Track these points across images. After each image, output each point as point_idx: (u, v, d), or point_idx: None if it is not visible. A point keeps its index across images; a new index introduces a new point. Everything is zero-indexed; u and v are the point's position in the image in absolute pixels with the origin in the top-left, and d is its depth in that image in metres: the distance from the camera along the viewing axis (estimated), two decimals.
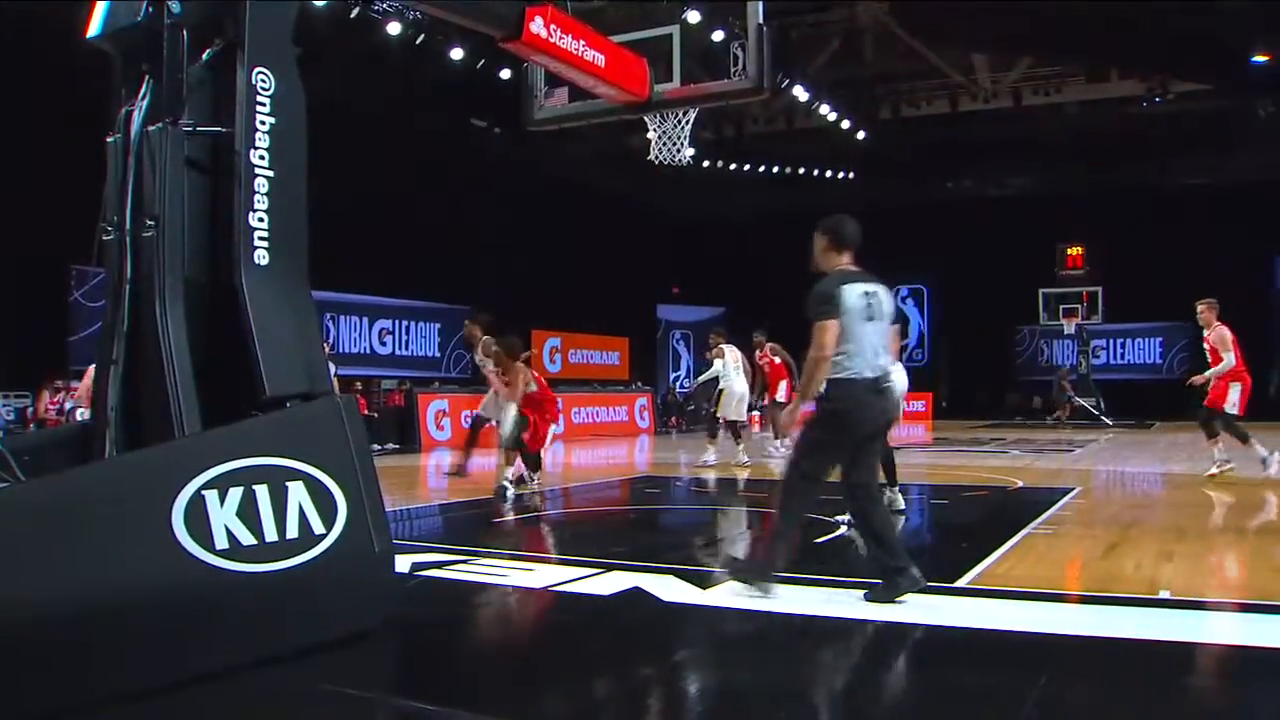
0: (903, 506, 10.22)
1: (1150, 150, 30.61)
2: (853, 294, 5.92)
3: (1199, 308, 13.24)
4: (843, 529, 8.70)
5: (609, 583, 6.66)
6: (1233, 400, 12.93)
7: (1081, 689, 4.71)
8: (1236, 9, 21.03)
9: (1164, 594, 6.23)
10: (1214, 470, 13.09)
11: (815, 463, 6.04)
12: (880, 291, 6.07)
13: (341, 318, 24.44)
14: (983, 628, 5.39)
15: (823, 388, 5.90)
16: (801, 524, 6.22)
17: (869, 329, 5.91)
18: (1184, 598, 6.17)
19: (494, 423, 12.96)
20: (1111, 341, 35.43)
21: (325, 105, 6.99)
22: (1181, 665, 4.79)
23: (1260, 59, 23.09)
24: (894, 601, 5.81)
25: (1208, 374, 13.05)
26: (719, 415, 16.26)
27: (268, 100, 5.34)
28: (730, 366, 16.21)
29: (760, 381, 17.53)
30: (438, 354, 27.22)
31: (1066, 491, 11.73)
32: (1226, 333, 13.00)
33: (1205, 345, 13.26)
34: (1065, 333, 33.66)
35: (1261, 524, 9.62)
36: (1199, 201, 30.81)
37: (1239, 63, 23.50)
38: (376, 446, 19.02)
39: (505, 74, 21.62)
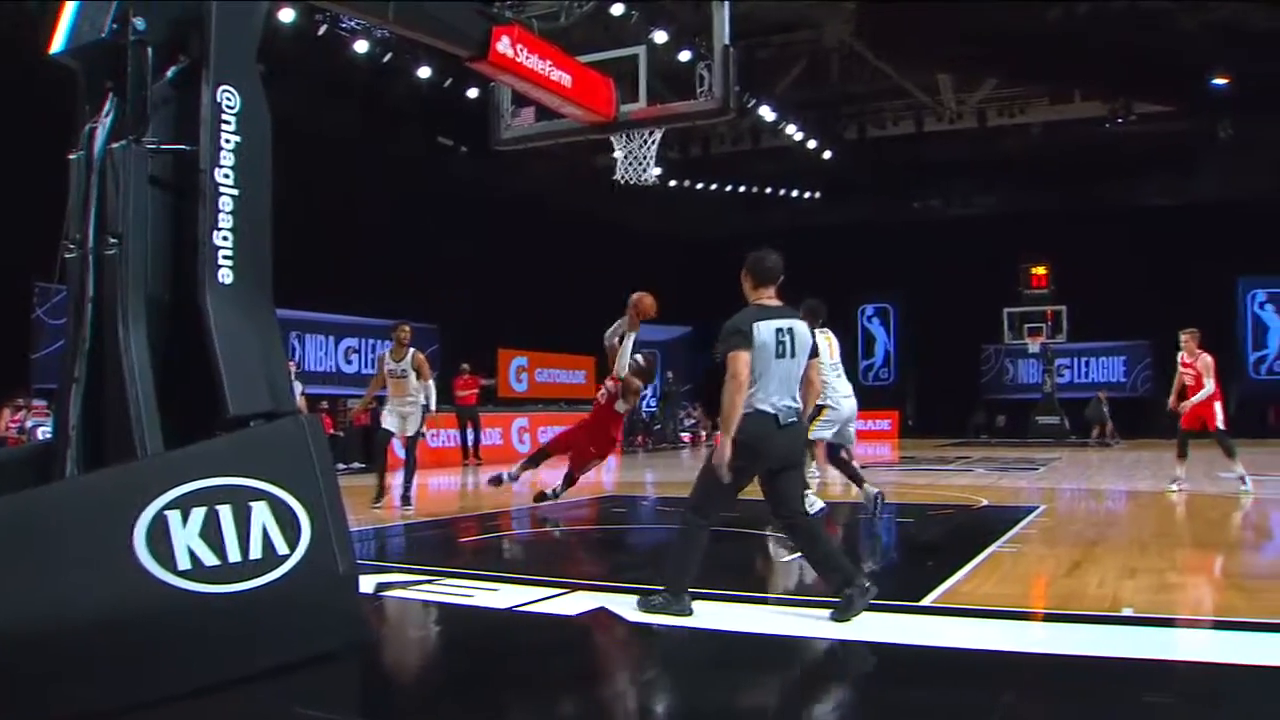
0: (821, 507, 10.37)
1: (1113, 171, 30.98)
2: (765, 330, 5.98)
3: (1183, 337, 13.86)
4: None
5: (575, 603, 6.64)
6: (1220, 417, 13.52)
7: (1044, 707, 4.74)
8: (1195, 33, 21.30)
9: (1126, 611, 6.27)
10: (1174, 487, 13.79)
11: (710, 492, 6.14)
12: (796, 327, 6.13)
13: (308, 336, 24.30)
14: (947, 646, 5.40)
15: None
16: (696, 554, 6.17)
17: (779, 366, 5.97)
18: (1146, 615, 6.20)
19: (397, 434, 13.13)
20: (1075, 360, 35.69)
21: (292, 123, 6.99)
22: (1144, 683, 4.81)
23: (1220, 81, 23.38)
24: (851, 618, 5.82)
25: (1192, 401, 13.54)
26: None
27: (232, 118, 5.32)
28: None
29: None
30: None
31: (1031, 510, 11.79)
32: (1210, 360, 13.60)
33: (1186, 371, 13.78)
34: (1030, 351, 33.89)
35: (1223, 540, 9.70)
36: (1162, 221, 31.09)
37: (1199, 85, 23.80)
38: (341, 465, 18.91)
39: (473, 93, 21.66)
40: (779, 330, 6.01)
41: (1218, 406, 13.51)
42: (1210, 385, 13.46)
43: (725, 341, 5.98)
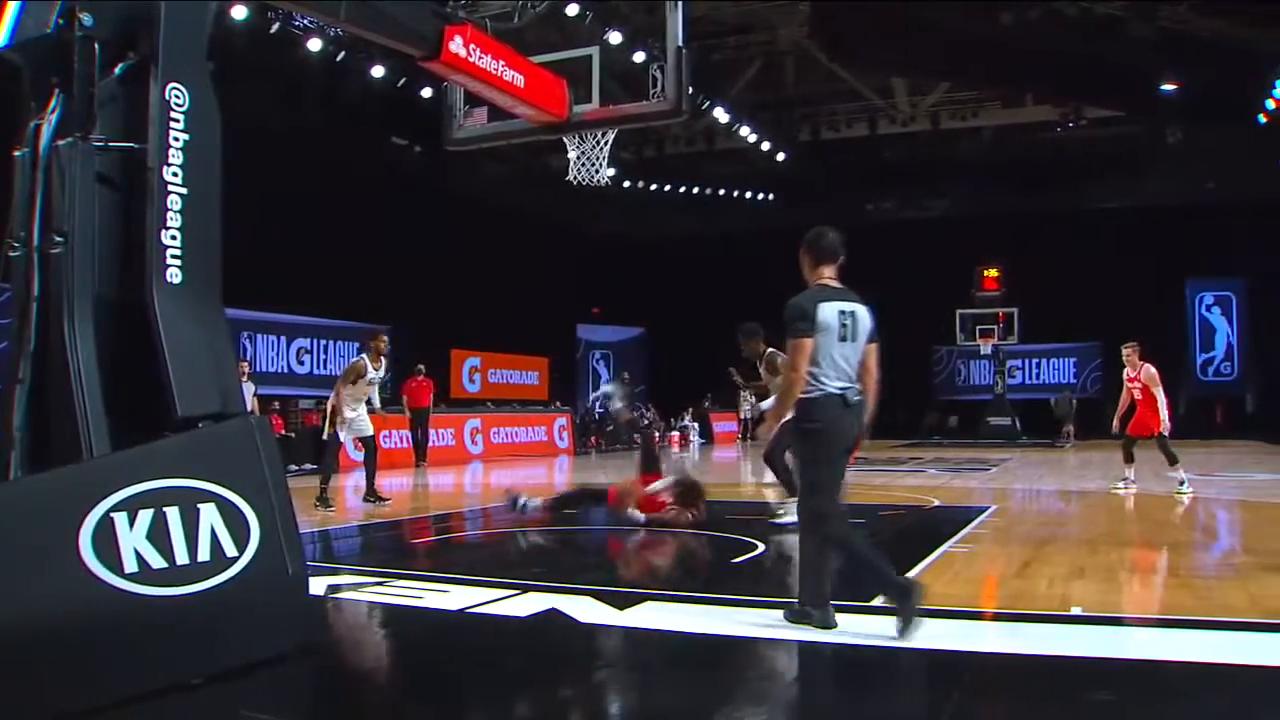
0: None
1: (1065, 174, 31.33)
2: (828, 312, 5.81)
3: (1125, 351, 14.20)
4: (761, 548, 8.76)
5: (526, 604, 6.63)
6: (1166, 423, 13.84)
7: (995, 706, 4.78)
8: (1144, 39, 21.57)
9: (1076, 610, 6.34)
10: (1123, 488, 14.18)
11: (817, 486, 5.87)
12: (859, 310, 5.94)
13: (259, 336, 24.16)
14: (897, 646, 5.43)
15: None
16: (849, 547, 5.94)
17: (841, 349, 5.80)
18: (1095, 614, 6.28)
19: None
20: (1027, 361, 36.06)
21: (243, 121, 6.94)
22: (1094, 681, 4.87)
23: (1168, 87, 23.68)
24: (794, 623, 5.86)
25: (1164, 418, 13.85)
26: None
27: (181, 116, 5.28)
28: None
29: None
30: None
31: (983, 510, 11.89)
32: (1154, 371, 13.91)
33: (1131, 384, 14.11)
34: (982, 353, 34.19)
35: (1170, 540, 9.81)
36: (1112, 224, 31.49)
37: (1149, 90, 24.09)
38: (293, 467, 18.80)
39: (426, 93, 21.61)
40: (842, 312, 5.84)
41: (1164, 410, 13.81)
42: (1162, 396, 13.81)
43: (789, 325, 5.82)
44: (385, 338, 13.44)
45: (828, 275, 6.07)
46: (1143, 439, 14.07)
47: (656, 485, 11.16)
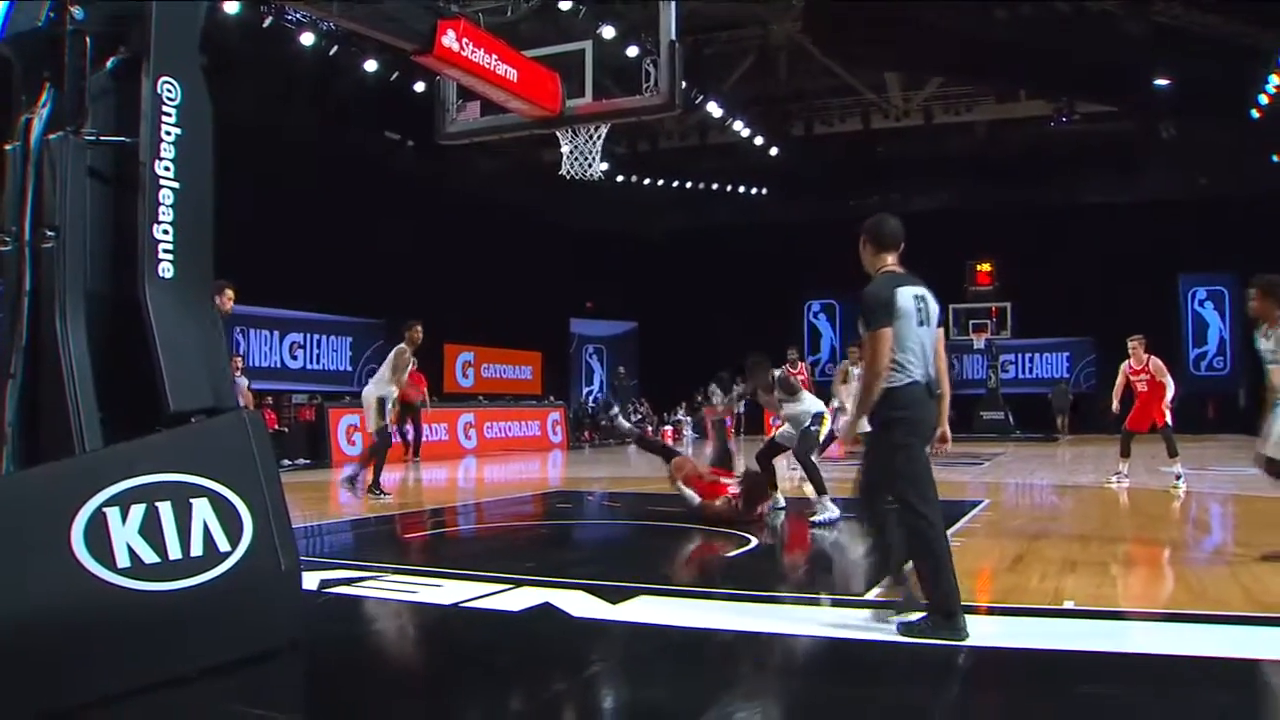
0: (834, 516, 10.48)
1: (1058, 169, 31.33)
2: (905, 297, 5.66)
3: (1131, 344, 14.09)
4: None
5: (519, 599, 6.63)
6: (1169, 415, 13.86)
7: (988, 700, 4.79)
8: (1138, 35, 21.59)
9: (1068, 604, 6.36)
10: (1115, 483, 14.10)
11: (914, 478, 5.62)
12: (928, 295, 5.83)
13: (252, 331, 24.14)
14: (889, 640, 5.44)
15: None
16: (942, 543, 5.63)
17: (921, 334, 5.67)
18: (1087, 607, 6.29)
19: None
20: (1020, 356, 36.04)
21: (236, 117, 6.94)
22: (1087, 675, 4.88)
23: (1161, 82, 23.70)
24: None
25: (1167, 402, 13.85)
26: None
27: (173, 110, 5.27)
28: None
29: None
30: (349, 368, 26.99)
31: (975, 504, 11.90)
32: (1161, 363, 13.97)
33: (1135, 377, 14.03)
34: (975, 348, 34.18)
35: (1163, 534, 9.83)
36: (1105, 220, 31.49)
37: (1142, 85, 24.12)
38: (287, 461, 18.80)
39: (419, 87, 21.57)
40: (917, 296, 5.71)
41: (1169, 405, 13.81)
42: (1172, 385, 13.85)
43: (870, 314, 5.62)
44: (419, 326, 13.62)
45: (891, 261, 5.91)
46: (1140, 434, 14.04)
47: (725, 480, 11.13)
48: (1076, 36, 22.04)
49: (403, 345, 13.45)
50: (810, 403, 11.30)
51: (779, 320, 34.58)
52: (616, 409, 11.59)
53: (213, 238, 5.49)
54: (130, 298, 5.12)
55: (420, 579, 7.46)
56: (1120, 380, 14.17)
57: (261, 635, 5.02)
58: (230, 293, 10.75)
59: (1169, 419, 13.78)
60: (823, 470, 10.99)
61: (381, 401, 13.28)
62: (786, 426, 11.35)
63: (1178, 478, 13.39)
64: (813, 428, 11.16)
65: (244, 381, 17.44)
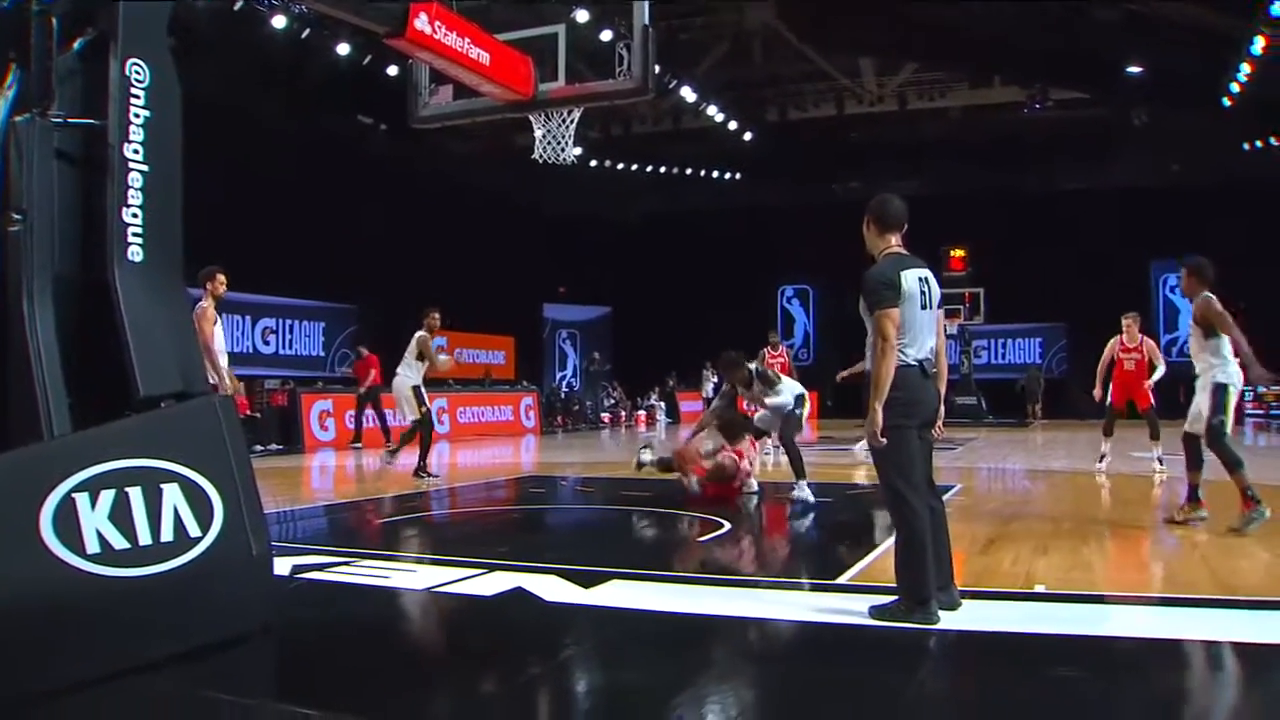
0: (810, 500, 10.75)
1: (1031, 155, 31.45)
2: (910, 280, 5.63)
3: (1125, 321, 13.93)
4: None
5: (491, 583, 6.64)
6: (1152, 398, 13.81)
7: (958, 682, 4.82)
8: (1110, 22, 21.67)
9: (1039, 588, 6.40)
10: (1100, 465, 14.02)
11: (900, 461, 5.63)
12: (930, 277, 5.80)
13: (223, 316, 23.93)
14: (861, 624, 5.47)
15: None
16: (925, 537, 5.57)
17: (923, 316, 5.66)
18: (1058, 591, 6.33)
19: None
20: (993, 342, 36.24)
21: (207, 99, 6.89)
22: (1056, 658, 4.91)
23: (1134, 69, 23.79)
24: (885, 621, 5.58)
25: (1151, 381, 13.76)
26: None
27: (142, 92, 5.22)
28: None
29: None
30: (322, 353, 26.92)
31: (948, 489, 11.94)
32: (1154, 344, 14.00)
33: (1129, 355, 13.83)
34: (948, 333, 34.24)
35: (1133, 519, 9.89)
36: (1078, 206, 31.66)
37: (1114, 72, 24.21)
38: (259, 447, 18.74)
39: (392, 70, 21.47)
40: (921, 279, 5.69)
41: (1150, 387, 13.75)
42: (1162, 366, 13.79)
43: (874, 295, 5.58)
44: (436, 312, 14.39)
45: (895, 243, 5.87)
46: (1120, 412, 13.91)
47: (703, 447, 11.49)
48: (1049, 23, 22.11)
49: (423, 333, 14.04)
50: (790, 389, 11.40)
51: (752, 305, 34.71)
52: (645, 455, 11.62)
53: (182, 221, 5.45)
54: (99, 281, 5.09)
55: (393, 564, 7.48)
56: (1105, 356, 13.84)
57: (233, 620, 5.00)
58: (222, 278, 10.77)
59: (1153, 400, 13.73)
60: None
61: (417, 390, 13.88)
62: (765, 412, 11.46)
63: (1159, 461, 13.33)
64: (796, 411, 11.32)
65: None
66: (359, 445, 20.99)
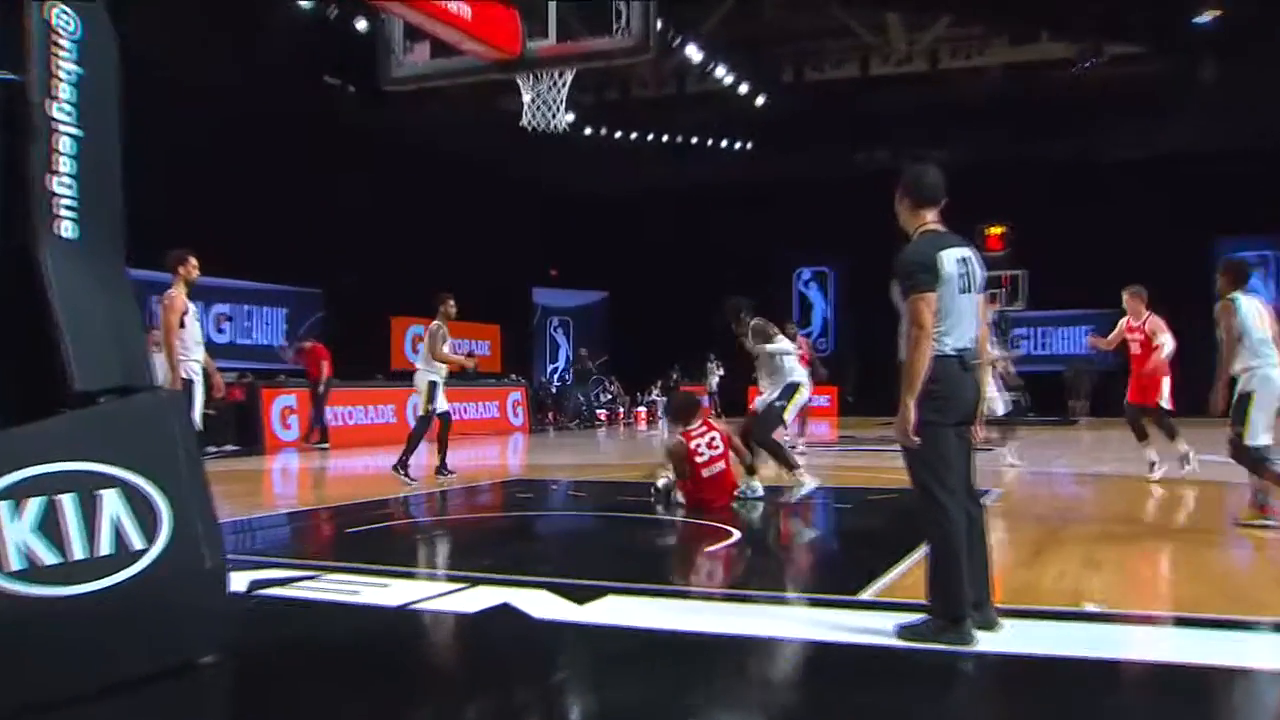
0: (811, 487, 10.79)
1: (1081, 119, 31.11)
2: (949, 261, 5.57)
3: (1125, 296, 13.62)
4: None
5: (474, 599, 6.63)
6: (1165, 394, 13.23)
7: (994, 711, 4.79)
8: None
9: (1089, 606, 6.36)
10: (1154, 475, 13.24)
11: (934, 461, 5.52)
12: (972, 257, 5.76)
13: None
14: (887, 645, 5.43)
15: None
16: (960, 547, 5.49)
17: (963, 301, 5.60)
18: (1110, 610, 6.30)
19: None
20: (1035, 330, 36.07)
21: (151, 58, 6.84)
22: (1106, 685, 4.88)
23: (1203, 19, 23.55)
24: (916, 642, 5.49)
25: (1155, 359, 13.06)
26: None
27: (71, 45, 5.15)
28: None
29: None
30: (284, 342, 26.83)
31: (984, 493, 11.90)
32: (1161, 321, 13.31)
33: (1133, 336, 13.46)
34: (985, 320, 34.22)
35: (1192, 530, 9.87)
36: (1134, 176, 31.29)
37: (1179, 22, 23.99)
38: (212, 448, 18.71)
39: (361, 25, 21.40)
40: (961, 260, 5.63)
41: (1165, 382, 13.18)
42: (1169, 343, 13.04)
43: (909, 278, 5.53)
44: (450, 298, 14.69)
45: (932, 219, 5.84)
46: (1145, 409, 13.30)
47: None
48: None
49: (438, 321, 14.39)
50: (790, 370, 11.46)
51: (766, 290, 34.46)
52: (662, 480, 11.46)
53: (123, 194, 5.41)
54: (27, 261, 5.04)
55: (363, 578, 7.44)
56: (1114, 338, 13.77)
57: (182, 645, 4.97)
58: (195, 261, 10.79)
59: (1164, 399, 13.16)
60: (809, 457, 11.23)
61: (433, 385, 14.28)
62: (765, 393, 11.52)
63: (1183, 460, 12.83)
64: (778, 403, 11.36)
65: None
66: (325, 446, 20.97)
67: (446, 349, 14.28)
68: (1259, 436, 9.01)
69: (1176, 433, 13.16)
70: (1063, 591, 6.80)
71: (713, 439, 10.83)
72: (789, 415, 12.01)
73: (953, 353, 5.53)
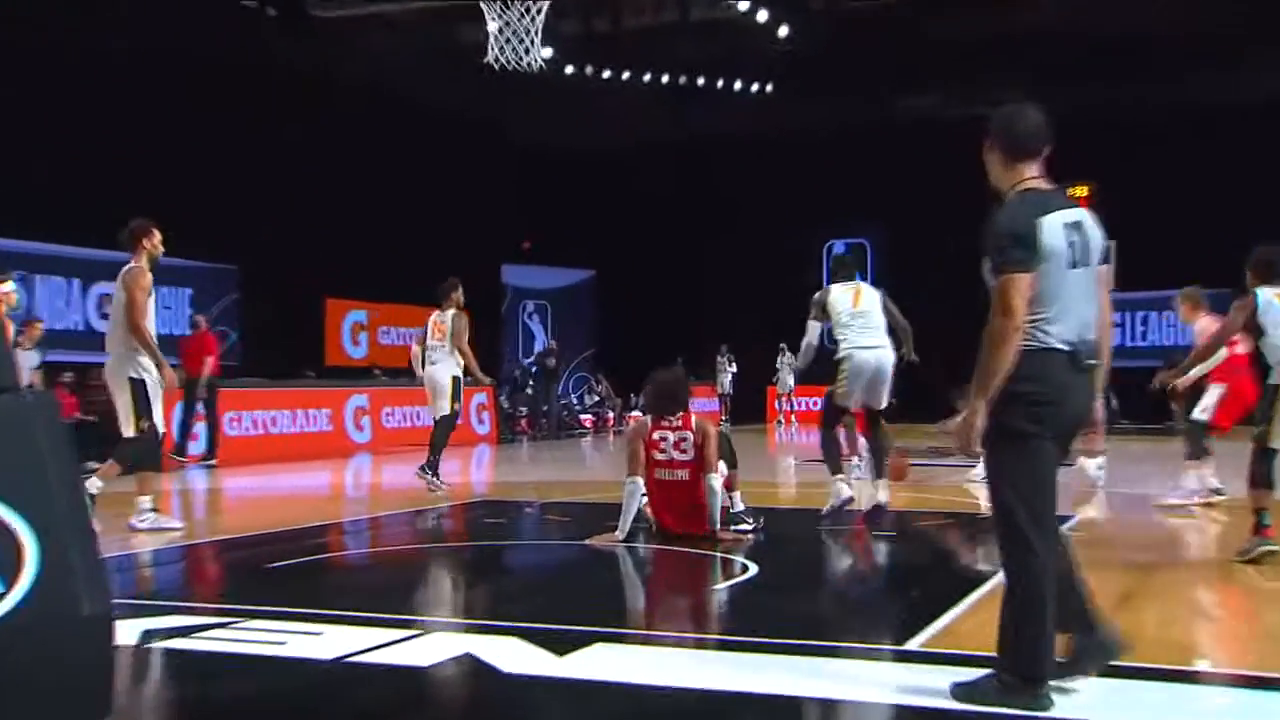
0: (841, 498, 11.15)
1: (1188, 57, 30.80)
2: (1052, 230, 5.30)
3: (1177, 300, 14.37)
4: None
5: (429, 648, 6.64)
6: (1206, 405, 13.35)
7: None
8: None
9: (1200, 665, 6.33)
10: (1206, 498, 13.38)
11: (1028, 483, 5.33)
12: (1085, 220, 5.52)
13: (39, 279, 23.60)
14: (942, 708, 5.39)
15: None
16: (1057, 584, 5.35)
17: (1072, 280, 5.34)
18: (1223, 670, 6.26)
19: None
20: (1129, 316, 35.79)
21: None
22: None
23: None
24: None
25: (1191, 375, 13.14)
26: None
27: None
28: None
29: None
30: (188, 330, 26.68)
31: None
32: (1209, 323, 13.41)
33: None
34: None
35: None
36: (1255, 127, 31.21)
37: None
38: (93, 464, 18.63)
39: None
40: (1069, 226, 5.36)
41: (1217, 392, 13.24)
42: (1215, 359, 12.66)
43: (1001, 255, 5.27)
44: (459, 285, 16.17)
45: (1032, 175, 5.61)
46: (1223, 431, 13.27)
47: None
48: None
49: (454, 311, 15.73)
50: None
51: (788, 267, 34.39)
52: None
53: None
54: None
55: (291, 624, 7.43)
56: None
57: (55, 707, 4.93)
58: (159, 234, 10.80)
59: (1204, 412, 13.28)
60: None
61: (456, 381, 15.55)
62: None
63: (1214, 491, 13.07)
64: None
65: (34, 357, 17.22)
66: (213, 462, 20.74)
67: (464, 345, 15.30)
68: None
69: (1200, 456, 13.35)
70: (1165, 645, 6.75)
71: (684, 441, 10.59)
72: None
73: (1062, 346, 5.29)
